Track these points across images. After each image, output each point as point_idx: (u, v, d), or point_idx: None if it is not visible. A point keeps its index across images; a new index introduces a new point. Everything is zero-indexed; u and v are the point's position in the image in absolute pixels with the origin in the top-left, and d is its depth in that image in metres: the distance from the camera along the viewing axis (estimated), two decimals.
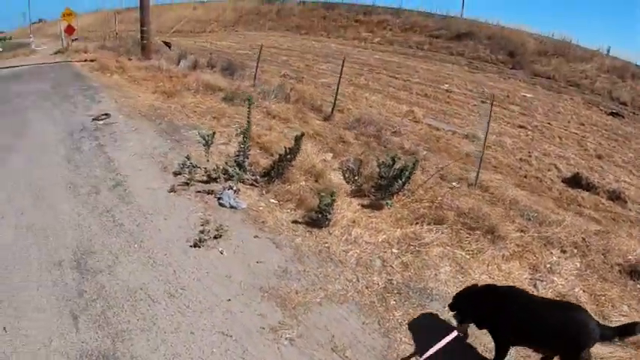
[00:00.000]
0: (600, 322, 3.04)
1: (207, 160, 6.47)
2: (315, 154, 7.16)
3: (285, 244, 4.83)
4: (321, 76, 18.09)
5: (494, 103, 17.43)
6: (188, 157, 6.18)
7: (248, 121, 6.04)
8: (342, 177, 6.52)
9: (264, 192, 5.89)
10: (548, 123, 15.54)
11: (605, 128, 15.66)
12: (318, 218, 5.08)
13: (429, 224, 5.34)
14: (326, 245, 4.83)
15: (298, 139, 5.80)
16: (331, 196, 4.95)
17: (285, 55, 23.49)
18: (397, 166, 5.77)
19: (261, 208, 5.50)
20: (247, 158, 6.19)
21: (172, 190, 5.74)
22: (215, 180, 6.00)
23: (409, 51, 28.11)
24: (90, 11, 40.01)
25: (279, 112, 9.56)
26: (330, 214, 5.05)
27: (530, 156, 12.13)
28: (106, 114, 8.98)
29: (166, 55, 17.48)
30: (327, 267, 4.45)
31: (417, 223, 5.38)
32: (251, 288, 4.05)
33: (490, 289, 3.36)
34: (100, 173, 6.26)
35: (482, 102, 16.96)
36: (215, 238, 4.80)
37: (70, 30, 19.56)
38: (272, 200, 5.69)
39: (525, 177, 10.55)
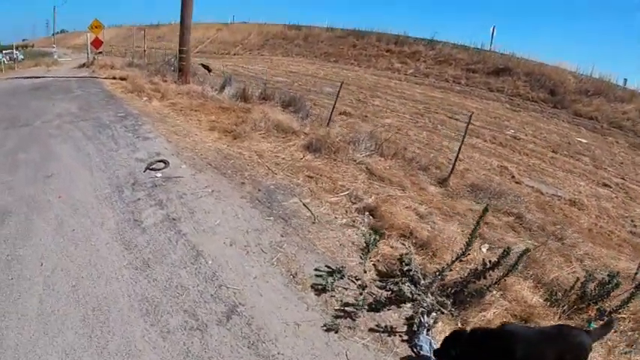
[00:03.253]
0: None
1: (365, 272, 4.02)
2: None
3: None
4: (380, 114, 15.97)
5: (566, 153, 15.99)
6: (340, 271, 3.80)
7: (472, 236, 3.63)
8: (528, 289, 4.14)
9: (459, 323, 3.49)
10: (622, 178, 14.09)
11: None
12: None
13: None
14: None
15: (519, 256, 3.48)
16: None
17: (329, 86, 21.41)
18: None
19: None
20: (443, 279, 3.77)
21: (332, 328, 3.28)
22: (385, 305, 3.57)
23: (446, 85, 26.94)
24: (111, 26, 38.38)
25: (383, 173, 7.20)
26: None
27: (635, 226, 10.32)
28: (162, 160, 6.62)
29: (205, 80, 15.33)
30: None
31: None
32: None
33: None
34: (189, 281, 3.78)
35: (554, 152, 15.74)
36: None
37: (97, 43, 17.63)
38: None
39: None
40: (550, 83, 23.75)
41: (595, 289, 3.85)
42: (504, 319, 3.55)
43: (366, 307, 3.53)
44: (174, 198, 5.42)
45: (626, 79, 24.23)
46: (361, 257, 3.96)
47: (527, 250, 3.64)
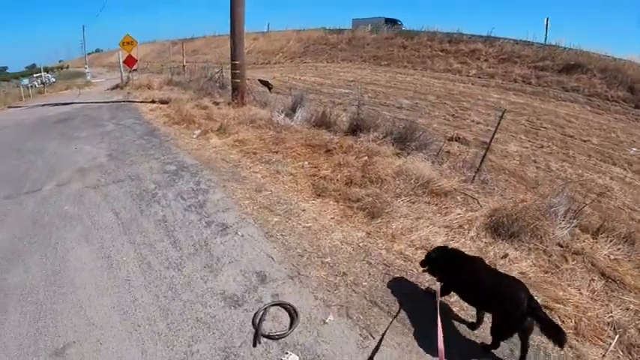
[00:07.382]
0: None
1: None
2: None
3: None
4: (488, 135, 12.42)
5: None
6: None
7: None
8: None
9: None
10: None
11: None
12: None
13: None
14: None
15: None
16: None
17: (401, 96, 17.96)
18: None
19: None
20: None
21: None
22: None
23: (516, 86, 23.47)
24: (144, 42, 36.20)
25: (615, 271, 3.76)
26: None
27: None
28: (281, 304, 3.30)
29: (263, 99, 12.15)
30: None
31: None
32: None
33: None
34: None
35: None
36: None
37: (130, 61, 14.78)
38: None
39: None
40: (628, 80, 20.45)
41: None
42: None
43: None
44: None
45: None
46: None
47: None
